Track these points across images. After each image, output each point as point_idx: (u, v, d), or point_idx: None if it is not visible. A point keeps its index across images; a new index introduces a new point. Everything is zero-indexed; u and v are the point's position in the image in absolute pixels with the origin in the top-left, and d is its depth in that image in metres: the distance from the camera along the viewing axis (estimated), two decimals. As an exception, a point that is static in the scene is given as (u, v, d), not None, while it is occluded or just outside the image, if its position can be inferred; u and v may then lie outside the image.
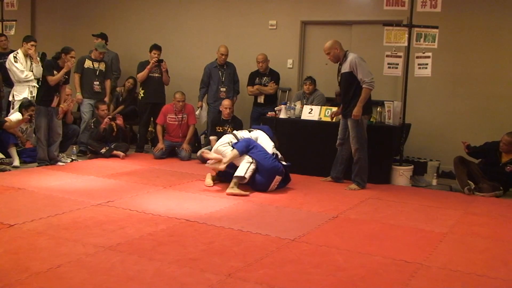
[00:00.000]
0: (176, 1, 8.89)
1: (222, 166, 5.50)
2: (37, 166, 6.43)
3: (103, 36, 8.36)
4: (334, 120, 6.33)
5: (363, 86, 5.66)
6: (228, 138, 5.83)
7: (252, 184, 5.55)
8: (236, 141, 5.73)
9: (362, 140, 5.83)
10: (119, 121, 7.50)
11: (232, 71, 7.79)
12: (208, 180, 5.78)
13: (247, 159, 5.50)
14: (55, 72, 6.40)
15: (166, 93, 8.03)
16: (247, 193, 5.35)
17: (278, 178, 5.57)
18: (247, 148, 5.55)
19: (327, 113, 6.54)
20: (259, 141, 5.78)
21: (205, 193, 5.40)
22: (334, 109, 6.46)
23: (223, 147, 5.70)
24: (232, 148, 5.61)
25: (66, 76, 6.57)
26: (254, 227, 4.19)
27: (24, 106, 6.76)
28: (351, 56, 5.75)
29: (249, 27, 8.32)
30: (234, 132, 6.02)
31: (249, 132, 5.97)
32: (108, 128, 7.29)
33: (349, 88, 5.80)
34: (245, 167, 5.46)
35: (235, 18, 8.44)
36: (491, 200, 5.66)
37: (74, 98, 7.30)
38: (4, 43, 8.03)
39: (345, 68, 5.78)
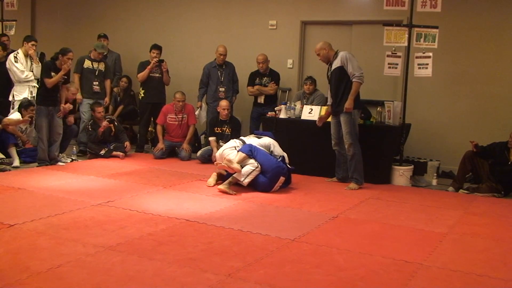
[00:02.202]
0: (176, 1, 8.89)
1: (236, 166, 5.45)
2: (37, 166, 6.43)
3: (106, 36, 8.37)
4: (319, 125, 6.29)
5: (353, 80, 5.73)
6: (235, 142, 5.85)
7: (256, 185, 5.55)
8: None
9: (355, 135, 5.86)
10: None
11: (231, 70, 7.78)
12: (211, 180, 5.77)
13: (252, 163, 5.51)
14: (53, 74, 6.38)
15: (167, 93, 8.03)
16: (234, 192, 5.36)
17: (282, 179, 5.61)
18: (251, 151, 5.58)
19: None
20: (273, 149, 5.84)
21: (205, 193, 5.40)
22: (317, 110, 6.47)
23: (230, 150, 5.72)
24: (237, 152, 5.65)
25: (65, 77, 6.56)
26: (254, 227, 4.19)
27: (24, 106, 6.75)
28: (342, 53, 5.84)
29: (249, 27, 8.32)
30: (242, 138, 6.04)
31: (258, 138, 5.99)
32: (107, 130, 7.29)
33: (340, 84, 5.84)
34: (247, 172, 5.47)
35: (235, 18, 8.44)
36: (491, 200, 5.66)
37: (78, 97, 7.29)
38: (7, 43, 8.03)
39: (336, 64, 5.85)
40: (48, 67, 6.43)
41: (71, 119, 7.07)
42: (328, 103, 6.29)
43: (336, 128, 6.05)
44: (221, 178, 5.80)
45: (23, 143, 6.76)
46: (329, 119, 6.25)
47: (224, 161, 5.52)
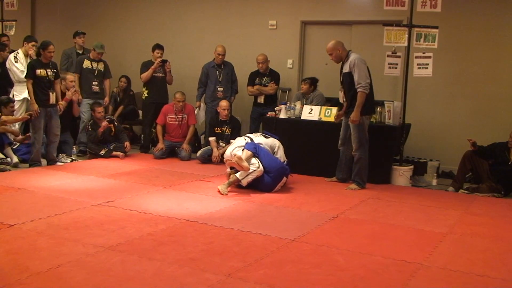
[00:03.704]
0: (176, 1, 8.90)
1: (245, 164, 5.41)
2: (29, 167, 6.38)
3: (84, 33, 8.35)
4: (337, 121, 6.30)
5: (358, 90, 5.69)
6: (244, 140, 5.85)
7: (259, 184, 5.54)
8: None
9: (363, 140, 5.85)
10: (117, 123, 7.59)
11: (230, 70, 7.78)
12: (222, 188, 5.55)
13: (253, 164, 5.49)
14: (38, 70, 6.27)
15: (169, 93, 8.03)
16: (227, 194, 5.33)
17: (284, 180, 5.63)
18: (255, 149, 5.58)
19: (327, 113, 6.54)
20: (276, 150, 5.87)
21: (205, 193, 5.40)
22: (334, 109, 6.47)
23: (239, 149, 5.68)
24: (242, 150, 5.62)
25: (55, 70, 6.49)
26: (254, 227, 4.19)
27: (3, 103, 6.69)
28: (352, 56, 5.78)
29: (249, 27, 8.32)
30: (250, 135, 6.04)
31: (266, 138, 5.99)
32: (107, 130, 7.29)
33: (350, 88, 5.83)
34: (246, 172, 5.45)
35: (235, 18, 8.44)
36: (491, 200, 5.66)
37: (78, 89, 7.25)
38: (7, 43, 8.04)
39: (346, 68, 5.82)
40: (33, 66, 6.33)
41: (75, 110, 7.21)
42: (341, 101, 6.26)
43: (344, 128, 6.05)
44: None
45: (16, 135, 6.69)
46: (329, 119, 6.26)
47: (234, 158, 5.47)
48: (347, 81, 5.83)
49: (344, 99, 6.09)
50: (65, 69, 8.19)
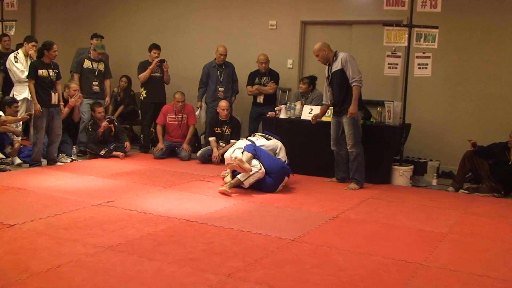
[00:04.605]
0: (176, 1, 8.90)
1: (247, 165, 5.42)
2: (30, 167, 6.39)
3: (102, 36, 8.37)
4: (314, 123, 6.29)
5: (353, 84, 5.74)
6: (245, 142, 5.84)
7: (261, 186, 5.54)
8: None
9: (358, 136, 5.87)
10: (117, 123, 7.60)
11: (231, 70, 7.78)
12: (227, 178, 5.73)
13: (255, 166, 5.49)
14: (40, 71, 6.28)
15: (166, 92, 8.03)
16: (231, 194, 5.32)
17: (286, 180, 5.65)
18: (255, 150, 5.58)
19: (327, 113, 6.53)
20: (278, 151, 5.88)
21: (205, 193, 5.40)
22: (317, 110, 6.46)
23: (239, 150, 5.67)
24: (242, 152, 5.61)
25: (57, 71, 6.49)
26: (254, 227, 4.19)
27: (7, 103, 6.69)
28: (342, 54, 5.84)
29: (249, 27, 8.32)
30: (251, 138, 6.04)
31: (267, 140, 5.99)
32: (107, 130, 7.29)
33: (341, 86, 5.85)
34: (248, 174, 5.44)
35: (235, 18, 8.44)
36: (491, 200, 5.66)
37: (81, 94, 7.26)
38: (7, 43, 8.07)
39: (336, 66, 5.85)
40: (35, 66, 6.33)
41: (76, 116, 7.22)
42: (323, 102, 6.28)
43: (336, 129, 6.06)
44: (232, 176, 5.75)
45: (18, 135, 6.70)
46: (328, 119, 6.25)
47: (235, 161, 5.46)
48: (338, 78, 5.85)
49: (331, 100, 6.10)
50: (75, 65, 8.17)
